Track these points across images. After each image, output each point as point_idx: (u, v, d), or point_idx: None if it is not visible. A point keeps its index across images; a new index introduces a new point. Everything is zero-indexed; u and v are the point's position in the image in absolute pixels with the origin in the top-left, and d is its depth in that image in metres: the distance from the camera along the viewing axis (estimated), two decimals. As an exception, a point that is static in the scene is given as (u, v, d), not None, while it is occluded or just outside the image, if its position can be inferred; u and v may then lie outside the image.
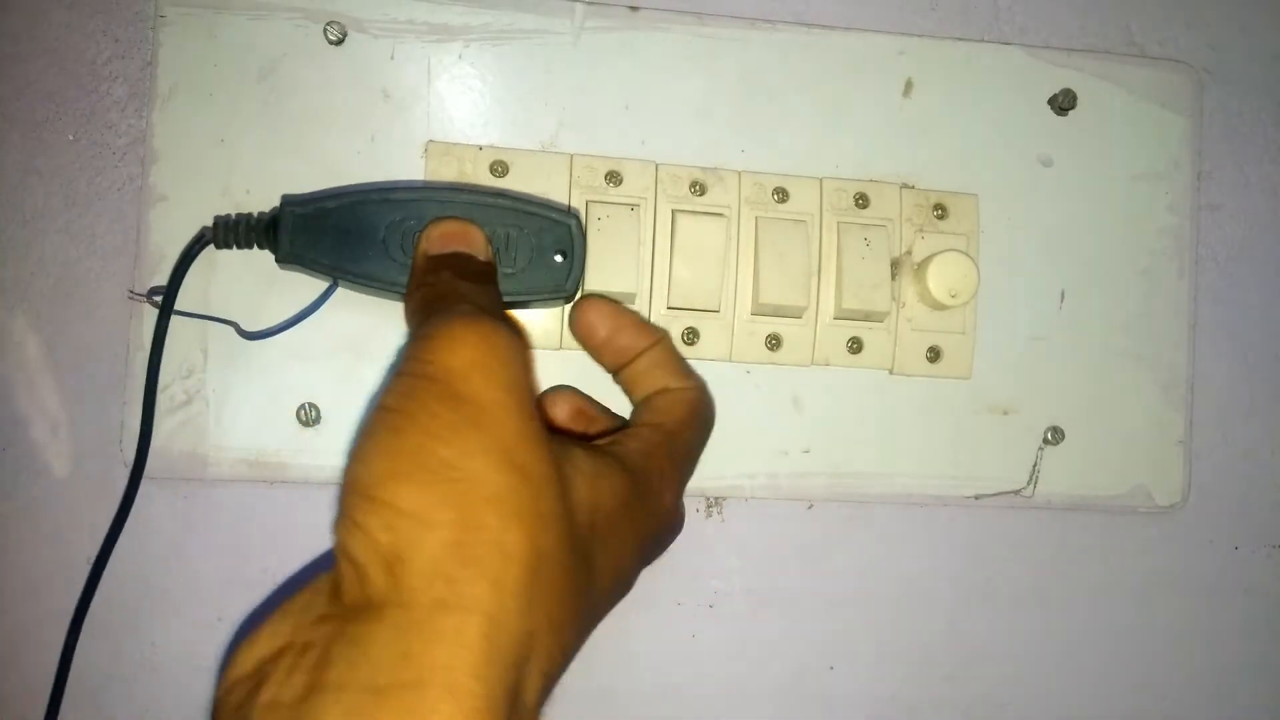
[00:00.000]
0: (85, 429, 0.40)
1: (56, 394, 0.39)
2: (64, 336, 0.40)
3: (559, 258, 0.38)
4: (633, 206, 0.40)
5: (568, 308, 0.40)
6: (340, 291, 0.38)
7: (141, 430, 0.38)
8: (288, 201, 0.37)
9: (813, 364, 0.42)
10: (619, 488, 0.30)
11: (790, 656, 0.43)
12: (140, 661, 0.40)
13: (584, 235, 0.39)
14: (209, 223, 0.38)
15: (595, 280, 0.39)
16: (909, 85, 0.43)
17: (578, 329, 0.39)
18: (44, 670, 0.38)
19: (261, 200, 0.39)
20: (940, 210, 0.43)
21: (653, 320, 0.41)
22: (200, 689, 0.40)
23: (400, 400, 0.26)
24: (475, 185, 0.40)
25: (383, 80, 0.40)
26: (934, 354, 0.43)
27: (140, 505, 0.38)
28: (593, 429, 0.38)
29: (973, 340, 0.43)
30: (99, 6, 0.40)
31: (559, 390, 0.39)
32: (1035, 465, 0.44)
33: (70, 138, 0.40)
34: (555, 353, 0.41)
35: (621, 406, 0.40)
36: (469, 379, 0.26)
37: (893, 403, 0.43)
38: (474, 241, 0.35)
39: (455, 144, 0.40)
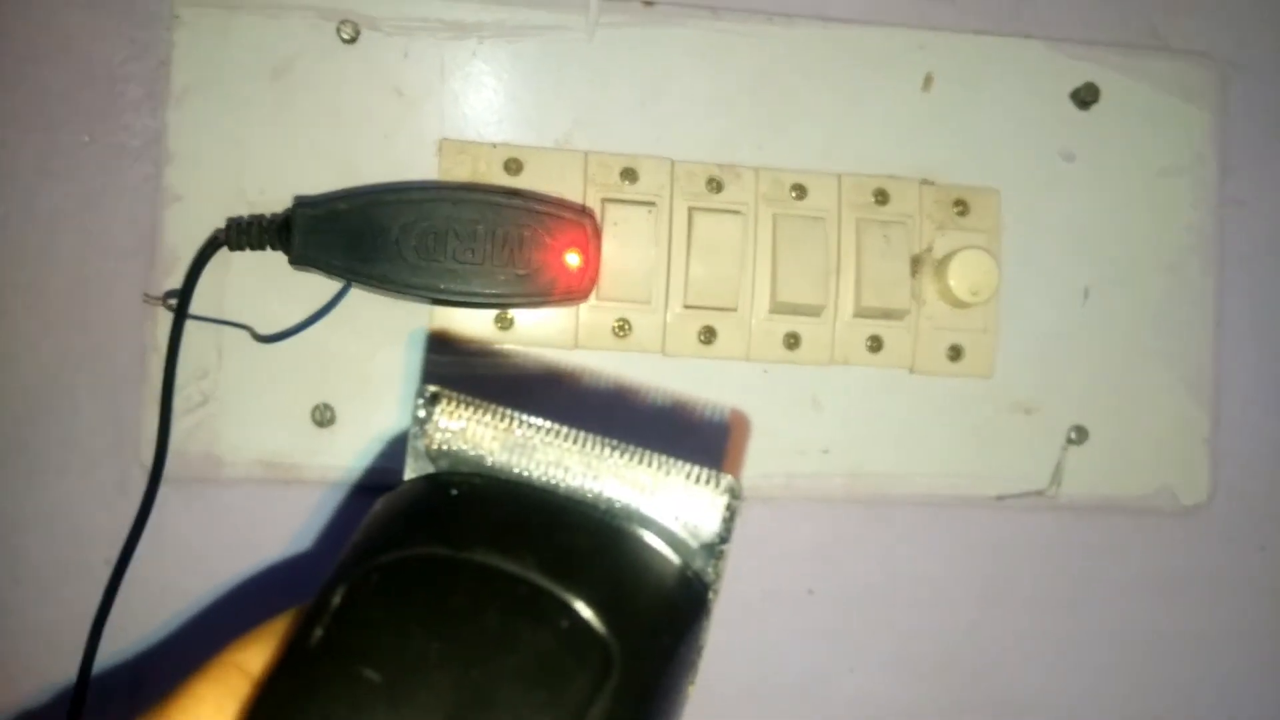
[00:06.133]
0: (100, 430, 0.40)
1: (71, 395, 0.39)
2: (79, 338, 0.40)
3: (574, 258, 0.38)
4: (649, 206, 0.40)
5: (582, 306, 0.40)
6: (354, 292, 0.38)
7: (159, 433, 0.38)
8: (300, 203, 0.37)
9: (832, 363, 0.42)
10: None
11: (809, 659, 0.43)
12: (156, 662, 0.40)
13: (599, 234, 0.39)
14: (223, 223, 0.38)
15: (610, 280, 0.39)
16: (929, 79, 0.43)
17: None
18: (62, 671, 0.38)
19: (275, 199, 0.39)
20: (961, 206, 0.42)
21: (669, 320, 0.41)
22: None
23: None
24: (488, 185, 0.40)
25: (396, 78, 0.40)
26: (955, 352, 0.42)
27: (156, 506, 0.38)
28: None
29: (994, 338, 0.42)
30: (114, 8, 0.40)
31: None
32: (1058, 465, 0.43)
33: (85, 139, 0.40)
34: (570, 352, 0.40)
35: (639, 411, 0.39)
36: None
37: (913, 402, 0.42)
38: None
39: (469, 142, 0.40)
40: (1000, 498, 0.43)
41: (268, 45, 0.40)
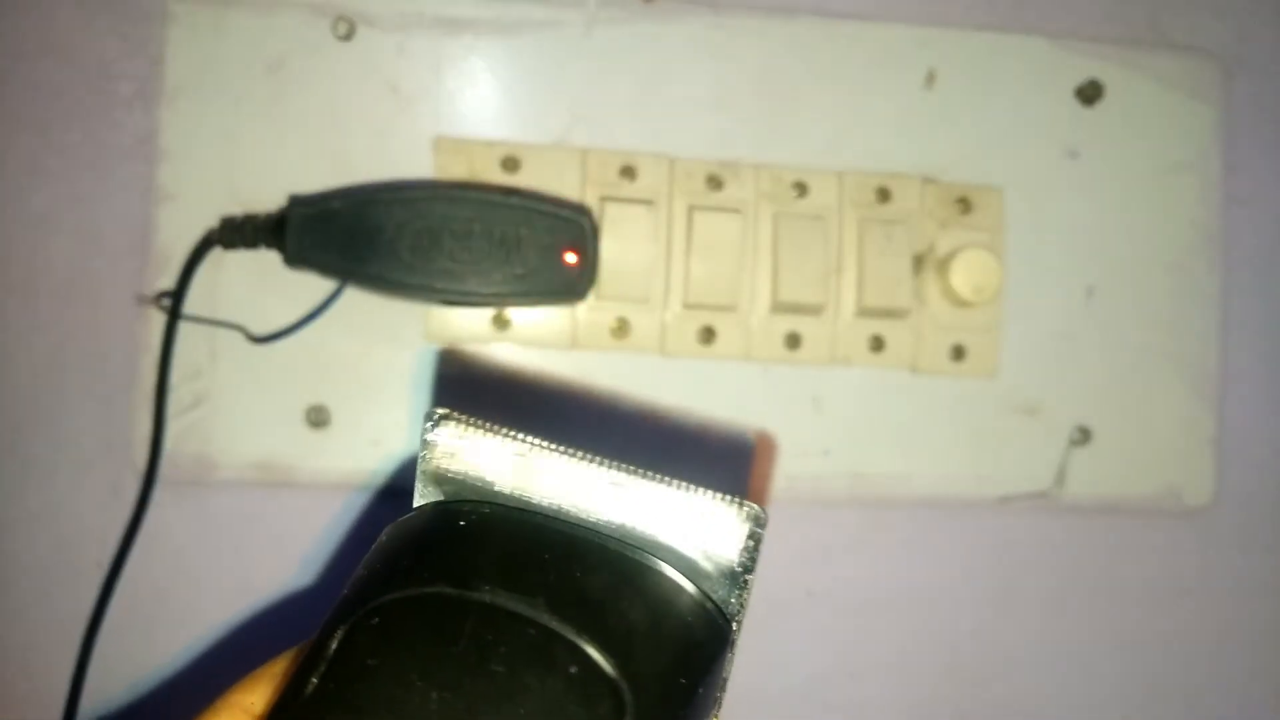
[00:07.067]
0: (92, 432, 0.39)
1: (63, 396, 0.39)
2: (71, 338, 0.39)
3: (571, 257, 0.37)
4: (648, 205, 0.40)
5: (580, 306, 0.39)
6: (349, 292, 0.38)
7: (153, 436, 0.37)
8: (295, 202, 0.37)
9: (833, 363, 0.41)
10: None
11: (811, 663, 0.43)
12: (149, 666, 0.39)
13: (597, 233, 0.38)
14: (217, 222, 0.38)
15: (608, 279, 0.39)
16: (931, 76, 0.42)
17: None
18: (55, 674, 0.38)
19: (269, 198, 0.39)
20: (964, 204, 0.42)
21: (668, 319, 0.40)
22: (210, 695, 0.39)
23: None
24: (485, 183, 0.39)
25: (391, 75, 0.40)
26: (958, 352, 0.42)
27: (148, 509, 0.38)
28: None
29: (997, 338, 0.42)
30: (107, 4, 0.40)
31: None
32: (1062, 466, 0.43)
33: (78, 137, 0.39)
34: (567, 353, 0.40)
35: (639, 418, 0.39)
36: None
37: (915, 402, 0.42)
38: None
39: (465, 140, 0.40)
40: (1003, 499, 0.43)
41: (262, 42, 0.39)
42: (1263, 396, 0.45)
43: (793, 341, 0.41)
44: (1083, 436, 0.43)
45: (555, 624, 0.15)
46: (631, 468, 0.17)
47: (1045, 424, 0.43)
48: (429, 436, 0.18)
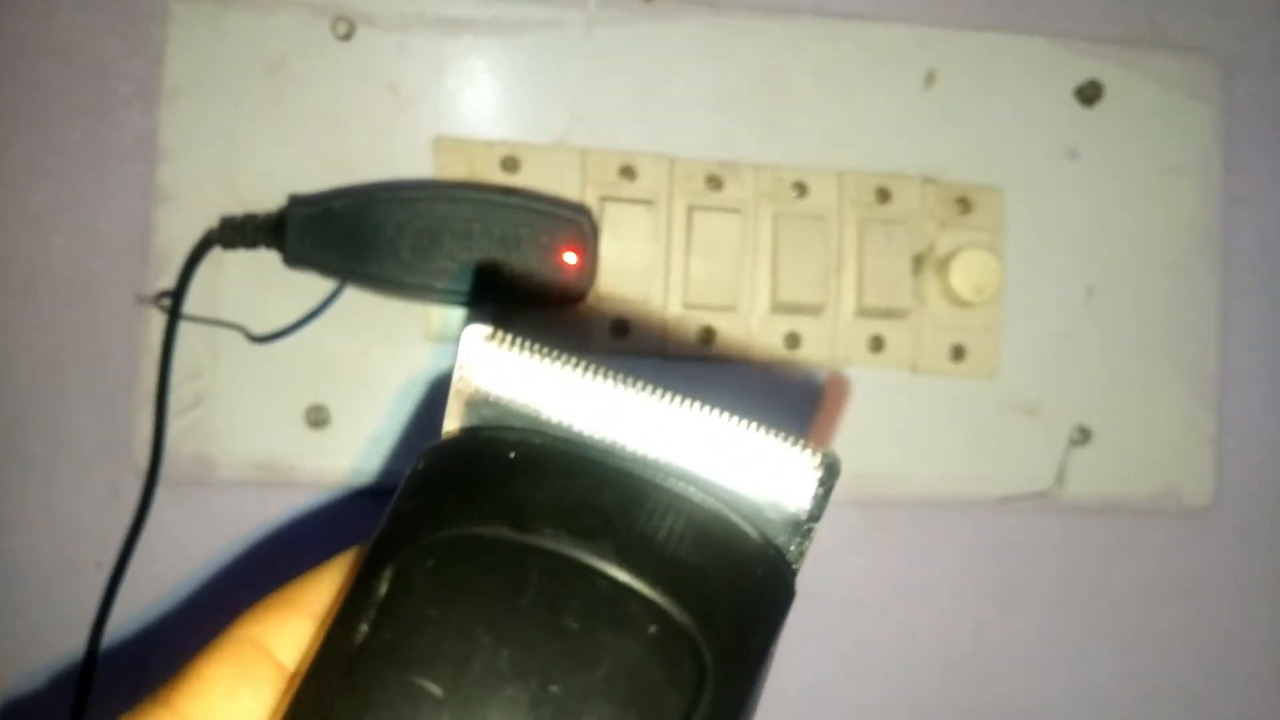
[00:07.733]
0: (92, 432, 0.39)
1: (63, 396, 0.39)
2: (71, 338, 0.39)
3: (571, 257, 0.37)
4: (648, 205, 0.40)
5: (580, 306, 0.39)
6: (349, 292, 0.38)
7: (154, 435, 0.37)
8: (295, 201, 0.37)
9: (833, 363, 0.41)
10: None
11: (811, 664, 0.43)
12: (153, 666, 0.39)
13: (597, 233, 0.38)
14: (217, 221, 0.38)
15: (608, 279, 0.39)
16: (931, 76, 0.42)
17: None
18: (56, 675, 0.38)
19: (269, 197, 0.39)
20: (963, 204, 0.42)
21: (668, 320, 0.40)
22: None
23: None
24: (485, 183, 0.39)
25: (391, 75, 0.40)
26: (957, 352, 0.42)
27: (149, 509, 0.38)
28: None
29: (997, 338, 0.42)
30: (107, 4, 0.40)
31: None
32: (1062, 466, 0.43)
33: (78, 137, 0.39)
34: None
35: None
36: None
37: (915, 402, 0.42)
38: None
39: (465, 140, 0.40)
40: (1003, 499, 0.43)
41: (262, 42, 0.39)
42: (1263, 396, 0.45)
43: (793, 341, 0.41)
44: (1083, 436, 0.43)
45: (628, 577, 0.13)
46: (695, 401, 0.16)
47: (1045, 424, 0.43)
48: (467, 354, 0.16)
